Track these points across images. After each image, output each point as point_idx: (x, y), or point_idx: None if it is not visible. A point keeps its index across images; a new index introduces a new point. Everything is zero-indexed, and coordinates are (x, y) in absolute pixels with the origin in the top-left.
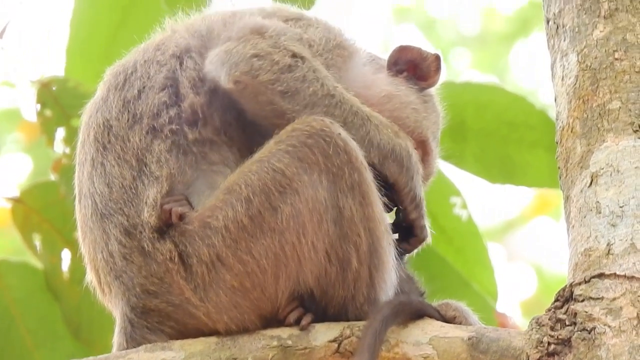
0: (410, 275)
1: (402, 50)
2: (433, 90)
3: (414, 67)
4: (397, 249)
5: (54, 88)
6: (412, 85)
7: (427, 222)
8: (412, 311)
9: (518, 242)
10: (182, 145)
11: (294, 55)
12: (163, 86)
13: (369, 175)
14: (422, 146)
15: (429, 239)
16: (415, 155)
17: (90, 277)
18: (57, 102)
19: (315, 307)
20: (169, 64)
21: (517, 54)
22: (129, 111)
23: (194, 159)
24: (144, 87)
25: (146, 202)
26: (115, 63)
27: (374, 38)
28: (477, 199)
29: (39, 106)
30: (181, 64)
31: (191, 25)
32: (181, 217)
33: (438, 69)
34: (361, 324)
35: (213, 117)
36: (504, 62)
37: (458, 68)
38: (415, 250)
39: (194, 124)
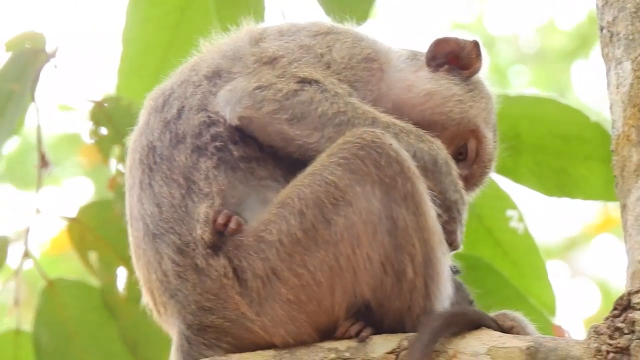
0: (459, 283)
1: (439, 44)
2: (479, 77)
3: (454, 58)
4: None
5: (106, 105)
6: (454, 77)
7: (459, 229)
8: (467, 322)
9: (581, 260)
10: (229, 162)
11: (302, 81)
12: (200, 107)
13: (421, 185)
14: (474, 135)
15: (459, 246)
16: (442, 158)
17: (146, 298)
18: (111, 120)
19: (371, 319)
20: (202, 85)
21: (578, 70)
22: (170, 131)
23: (242, 175)
24: (183, 107)
25: (198, 219)
26: (154, 88)
27: None
28: (539, 216)
29: (93, 125)
30: (212, 87)
31: (222, 46)
32: (239, 226)
33: (478, 55)
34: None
35: (249, 138)
36: (564, 79)
37: (517, 85)
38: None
39: (236, 142)
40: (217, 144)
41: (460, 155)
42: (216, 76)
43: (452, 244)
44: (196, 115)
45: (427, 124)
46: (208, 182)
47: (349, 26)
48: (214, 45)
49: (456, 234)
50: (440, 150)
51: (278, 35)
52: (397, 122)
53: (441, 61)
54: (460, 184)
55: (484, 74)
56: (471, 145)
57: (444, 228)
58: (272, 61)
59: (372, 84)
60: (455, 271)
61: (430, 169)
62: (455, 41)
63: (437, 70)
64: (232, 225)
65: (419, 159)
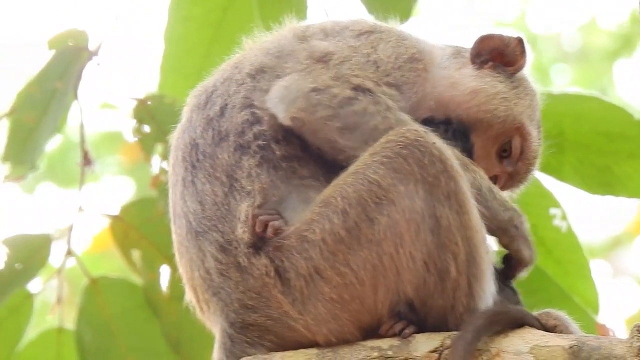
0: (506, 284)
1: (483, 41)
2: (524, 73)
3: (499, 55)
4: (501, 281)
5: (150, 104)
6: (499, 74)
7: (524, 243)
8: (510, 321)
9: (624, 259)
10: (272, 161)
11: (356, 88)
12: (243, 106)
13: (465, 184)
14: (519, 132)
15: (532, 262)
16: (486, 186)
17: (189, 296)
18: (154, 118)
19: (415, 318)
20: (245, 84)
21: (621, 69)
22: (213, 129)
23: (284, 174)
24: (226, 105)
25: (239, 218)
26: (198, 86)
27: None
28: (581, 216)
29: (136, 122)
30: (256, 84)
31: (265, 44)
32: (277, 232)
33: (523, 52)
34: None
35: (293, 137)
36: (607, 79)
37: (559, 84)
38: (521, 274)
39: (279, 142)
40: (260, 142)
41: (504, 153)
42: (260, 74)
43: (522, 262)
44: (239, 114)
45: (473, 122)
46: (250, 181)
47: (392, 25)
48: (257, 44)
49: (522, 251)
50: (483, 179)
51: (322, 34)
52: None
53: (486, 58)
54: (509, 202)
55: (528, 70)
56: (516, 143)
57: (509, 249)
58: (324, 58)
59: (418, 85)
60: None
61: (476, 198)
62: (500, 38)
63: (482, 67)
64: (270, 232)
65: None
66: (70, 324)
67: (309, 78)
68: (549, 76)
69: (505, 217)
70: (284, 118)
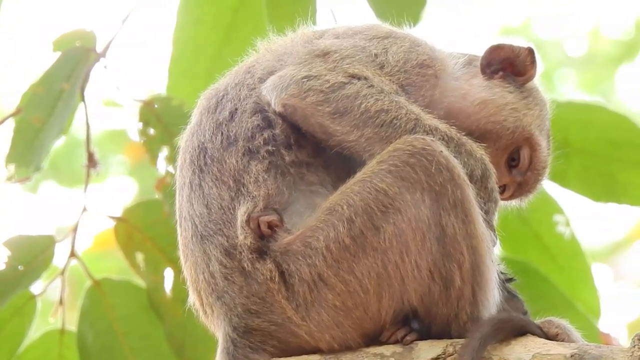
0: (513, 293)
1: (494, 51)
2: (534, 83)
3: (509, 64)
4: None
5: (156, 106)
6: (509, 84)
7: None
8: (513, 328)
9: (625, 264)
10: (280, 166)
11: (351, 76)
12: (254, 110)
13: (471, 192)
14: (528, 143)
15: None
16: (477, 174)
17: (192, 298)
18: (160, 120)
19: (418, 325)
20: (256, 89)
21: (623, 75)
22: (222, 133)
23: (292, 180)
24: (236, 110)
25: (239, 222)
26: (209, 88)
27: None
28: (583, 220)
29: (141, 125)
30: None
31: (278, 47)
32: (270, 226)
33: (533, 62)
34: (463, 341)
35: (305, 140)
36: (610, 84)
37: (564, 89)
38: None
39: (289, 147)
40: (270, 147)
41: (513, 162)
42: (270, 75)
43: None
44: (250, 119)
45: (482, 132)
46: (257, 186)
47: (408, 31)
48: (270, 46)
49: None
50: (477, 161)
51: (334, 37)
52: (440, 126)
53: (496, 68)
54: (495, 191)
55: (537, 80)
56: (524, 153)
57: None
58: (324, 54)
59: (425, 90)
60: (509, 279)
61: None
62: (510, 48)
63: (492, 77)
64: (263, 228)
65: None
66: (72, 325)
67: (304, 68)
68: (552, 81)
69: (483, 209)
70: (275, 104)
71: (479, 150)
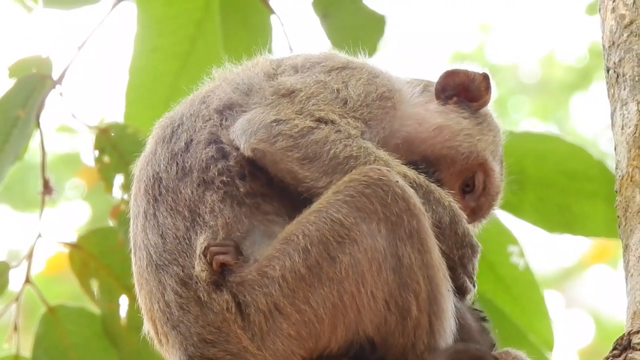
0: (483, 327)
1: (448, 76)
2: (488, 109)
3: (463, 90)
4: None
5: (112, 134)
6: (463, 109)
7: (468, 281)
8: (470, 359)
9: (576, 290)
10: (235, 196)
11: (318, 120)
12: (208, 141)
13: (427, 222)
14: (482, 168)
15: (469, 290)
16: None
17: (147, 327)
18: (116, 148)
19: (375, 356)
20: (212, 119)
21: (577, 102)
22: (177, 164)
23: (248, 209)
24: (191, 141)
25: (197, 252)
26: (164, 116)
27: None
28: (535, 246)
29: (97, 152)
30: (223, 120)
31: (234, 78)
32: (220, 266)
33: (488, 87)
34: None
35: (259, 172)
36: (563, 111)
37: (517, 116)
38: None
39: (243, 178)
40: (224, 178)
41: (467, 187)
42: (227, 110)
43: (461, 293)
44: (204, 150)
45: (436, 157)
46: (214, 216)
47: (364, 60)
48: (226, 76)
49: (463, 287)
50: (447, 210)
51: (293, 70)
52: (409, 172)
53: (450, 93)
54: (469, 235)
55: (490, 105)
56: (479, 178)
57: (453, 281)
58: (290, 94)
59: (386, 122)
60: (482, 318)
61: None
62: (465, 73)
63: (446, 102)
64: (215, 266)
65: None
66: (27, 351)
67: (273, 111)
68: (506, 108)
69: (456, 255)
70: (245, 149)
71: (447, 197)
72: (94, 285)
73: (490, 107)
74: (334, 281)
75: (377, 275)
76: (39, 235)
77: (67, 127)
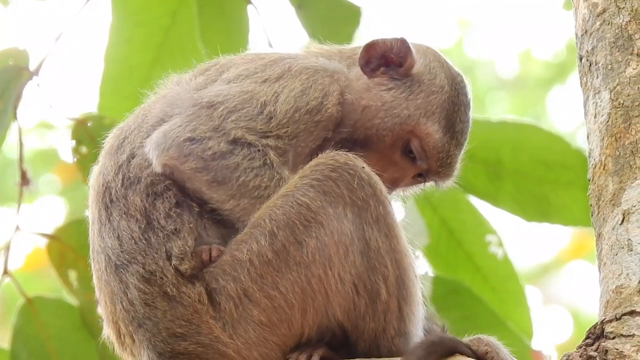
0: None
1: (369, 49)
2: (423, 69)
3: (386, 59)
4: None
5: (89, 125)
6: (390, 79)
7: None
8: (444, 349)
9: (554, 286)
10: (188, 201)
11: (234, 141)
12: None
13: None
14: (412, 134)
15: None
16: None
17: (107, 331)
18: (93, 139)
19: (346, 341)
20: (150, 135)
21: (555, 97)
22: (123, 175)
23: (208, 214)
24: (133, 155)
25: (171, 254)
26: (118, 125)
27: None
28: (513, 242)
29: (74, 143)
30: None
31: (170, 92)
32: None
33: (408, 50)
34: None
35: None
36: (541, 106)
37: (495, 111)
38: None
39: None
40: (174, 191)
41: (411, 154)
42: (161, 124)
43: None
44: (148, 168)
45: (365, 137)
46: (172, 220)
47: (314, 58)
48: (166, 88)
49: None
50: None
51: (225, 81)
52: None
53: (376, 64)
54: None
55: (435, 64)
56: (414, 144)
57: None
58: (209, 106)
59: (317, 132)
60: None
61: None
62: (383, 42)
63: (373, 75)
64: (214, 253)
65: None
66: (5, 343)
67: (189, 126)
68: (484, 103)
69: None
70: (156, 164)
71: None
72: (72, 276)
73: (434, 64)
74: (301, 265)
75: (344, 259)
76: (17, 228)
77: (44, 123)
